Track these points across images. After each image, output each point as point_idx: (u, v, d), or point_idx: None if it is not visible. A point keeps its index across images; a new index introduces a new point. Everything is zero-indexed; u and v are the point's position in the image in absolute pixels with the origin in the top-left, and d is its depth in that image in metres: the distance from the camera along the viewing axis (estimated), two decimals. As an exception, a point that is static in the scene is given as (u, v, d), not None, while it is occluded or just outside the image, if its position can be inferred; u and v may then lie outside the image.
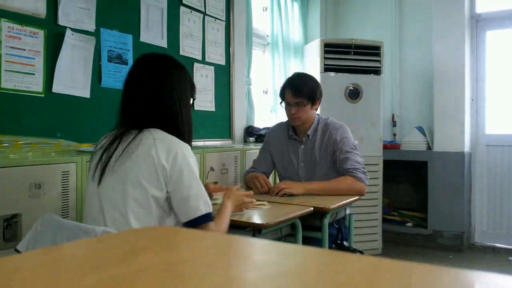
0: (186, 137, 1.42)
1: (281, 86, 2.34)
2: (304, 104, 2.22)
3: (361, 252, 2.24)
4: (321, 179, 2.24)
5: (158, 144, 1.32)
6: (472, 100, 4.06)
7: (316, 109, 2.34)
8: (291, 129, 2.37)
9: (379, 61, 3.75)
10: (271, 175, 2.57)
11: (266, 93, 3.91)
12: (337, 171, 2.25)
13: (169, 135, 1.37)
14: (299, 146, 2.35)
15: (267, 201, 1.93)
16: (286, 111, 2.31)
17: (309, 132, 2.31)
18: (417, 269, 0.46)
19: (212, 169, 2.54)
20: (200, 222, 1.35)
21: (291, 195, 2.10)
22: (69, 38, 2.05)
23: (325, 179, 2.21)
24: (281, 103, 2.32)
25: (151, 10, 2.53)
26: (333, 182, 2.17)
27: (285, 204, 1.94)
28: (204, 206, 1.36)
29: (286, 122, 2.42)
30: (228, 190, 1.67)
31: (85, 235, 1.14)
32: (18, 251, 1.28)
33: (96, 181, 1.35)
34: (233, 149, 2.88)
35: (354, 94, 3.67)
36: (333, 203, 1.94)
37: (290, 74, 3.94)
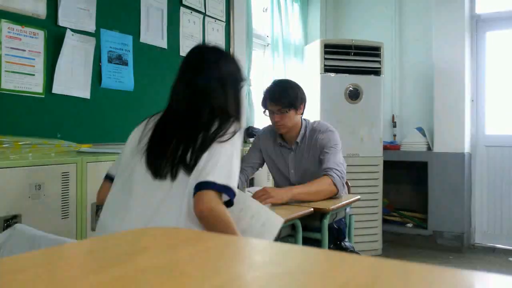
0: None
1: (263, 95, 2.28)
2: (286, 111, 2.17)
3: (357, 253, 2.23)
4: None
5: None
6: (472, 100, 4.07)
7: (302, 114, 2.28)
8: (279, 137, 2.32)
9: (379, 61, 3.75)
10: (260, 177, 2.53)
11: (266, 93, 3.90)
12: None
13: None
14: (289, 153, 2.30)
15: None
16: (270, 119, 2.26)
17: (298, 140, 2.26)
18: (417, 269, 0.46)
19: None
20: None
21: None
22: (69, 38, 2.05)
23: None
24: (264, 112, 2.26)
25: (151, 11, 2.54)
26: (314, 185, 2.06)
27: (284, 204, 1.94)
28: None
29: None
30: None
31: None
32: None
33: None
34: (233, 149, 2.87)
35: (354, 94, 3.67)
36: (333, 204, 1.94)
37: (290, 75, 3.98)
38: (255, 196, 1.92)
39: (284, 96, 2.17)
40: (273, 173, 2.42)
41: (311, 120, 2.34)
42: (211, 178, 1.21)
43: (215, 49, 1.51)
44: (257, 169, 2.47)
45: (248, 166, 2.39)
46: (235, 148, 1.32)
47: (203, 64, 1.43)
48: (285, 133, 2.27)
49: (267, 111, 2.25)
